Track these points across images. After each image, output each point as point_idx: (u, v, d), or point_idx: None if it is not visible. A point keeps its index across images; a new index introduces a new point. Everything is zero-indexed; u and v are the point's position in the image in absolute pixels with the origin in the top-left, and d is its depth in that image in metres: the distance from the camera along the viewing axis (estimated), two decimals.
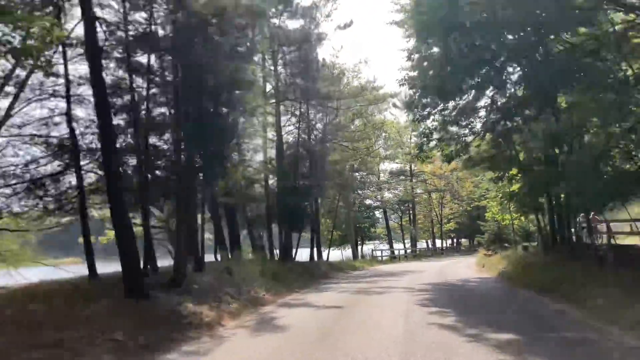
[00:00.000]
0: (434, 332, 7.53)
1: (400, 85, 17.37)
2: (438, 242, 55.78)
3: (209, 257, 20.51)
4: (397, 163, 54.81)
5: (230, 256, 18.83)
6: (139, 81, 12.38)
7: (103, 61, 10.82)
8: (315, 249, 27.97)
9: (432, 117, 19.60)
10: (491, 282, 15.82)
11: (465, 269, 25.44)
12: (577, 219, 19.31)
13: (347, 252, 39.05)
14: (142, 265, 11.73)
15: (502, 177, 20.99)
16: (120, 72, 11.93)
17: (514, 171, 21.27)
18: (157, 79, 12.24)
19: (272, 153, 24.28)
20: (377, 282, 16.90)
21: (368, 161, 31.99)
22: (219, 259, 19.36)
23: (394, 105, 44.45)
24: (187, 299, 9.96)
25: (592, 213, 19.92)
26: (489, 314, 9.21)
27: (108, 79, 11.59)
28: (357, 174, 41.40)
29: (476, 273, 21.64)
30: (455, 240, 61.32)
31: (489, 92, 18.32)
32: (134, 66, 11.69)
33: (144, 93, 12.12)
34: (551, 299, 10.92)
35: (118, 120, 11.94)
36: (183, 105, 11.62)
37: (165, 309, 9.06)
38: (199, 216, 16.23)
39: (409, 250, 47.24)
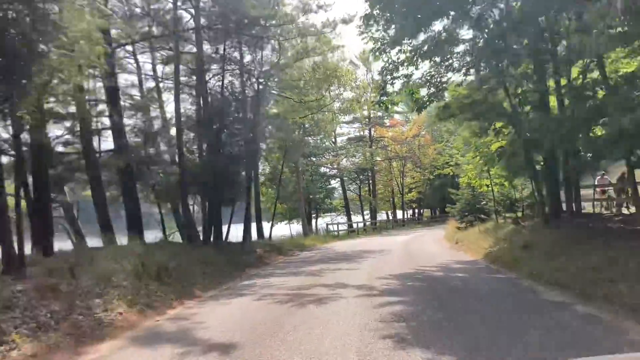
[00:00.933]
0: None
1: None
2: (399, 214, 51.72)
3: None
4: (354, 128, 50.14)
5: (116, 241, 13.43)
6: None
7: None
8: (254, 225, 22.91)
9: (397, 48, 14.55)
10: (484, 272, 11.12)
11: (436, 246, 20.98)
12: (594, 181, 14.96)
13: (299, 226, 34.16)
14: None
15: (486, 129, 16.30)
16: None
17: (499, 124, 16.70)
18: None
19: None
20: (324, 273, 11.95)
21: (320, 120, 26.74)
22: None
23: (352, 62, 39.40)
24: None
25: (602, 173, 15.64)
26: None
27: None
28: (310, 138, 36.38)
29: (453, 253, 17.11)
30: (417, 211, 57.47)
31: (475, 11, 13.38)
32: None
33: None
34: (622, 319, 6.15)
35: None
36: None
37: None
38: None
39: (368, 223, 42.81)
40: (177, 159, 16.50)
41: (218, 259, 13.39)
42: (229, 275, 11.95)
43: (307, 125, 28.72)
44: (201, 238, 17.18)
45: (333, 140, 44.13)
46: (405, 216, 52.86)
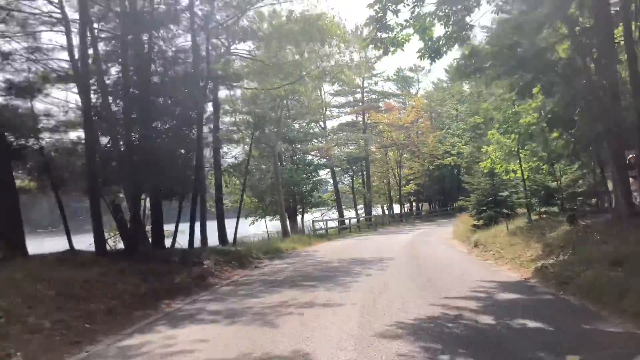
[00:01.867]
0: None
1: None
2: (396, 208, 46.81)
3: None
4: (346, 112, 45.19)
5: None
6: None
7: None
8: (218, 226, 17.97)
9: None
10: (569, 314, 6.10)
11: (450, 250, 16.06)
12: None
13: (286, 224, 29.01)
14: None
15: (529, 88, 11.32)
16: None
17: (537, 89, 11.83)
18: None
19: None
20: (283, 316, 6.94)
21: (302, 94, 21.68)
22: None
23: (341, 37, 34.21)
24: None
25: None
26: None
27: None
28: (295, 122, 31.41)
29: (479, 263, 12.19)
30: (415, 205, 52.58)
31: None
32: None
33: None
34: None
35: None
36: None
37: None
38: None
39: (362, 218, 37.79)
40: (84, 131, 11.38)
41: (120, 286, 8.36)
42: (108, 323, 6.85)
43: (289, 102, 23.74)
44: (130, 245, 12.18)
45: (322, 125, 39.15)
46: (403, 210, 48.01)
